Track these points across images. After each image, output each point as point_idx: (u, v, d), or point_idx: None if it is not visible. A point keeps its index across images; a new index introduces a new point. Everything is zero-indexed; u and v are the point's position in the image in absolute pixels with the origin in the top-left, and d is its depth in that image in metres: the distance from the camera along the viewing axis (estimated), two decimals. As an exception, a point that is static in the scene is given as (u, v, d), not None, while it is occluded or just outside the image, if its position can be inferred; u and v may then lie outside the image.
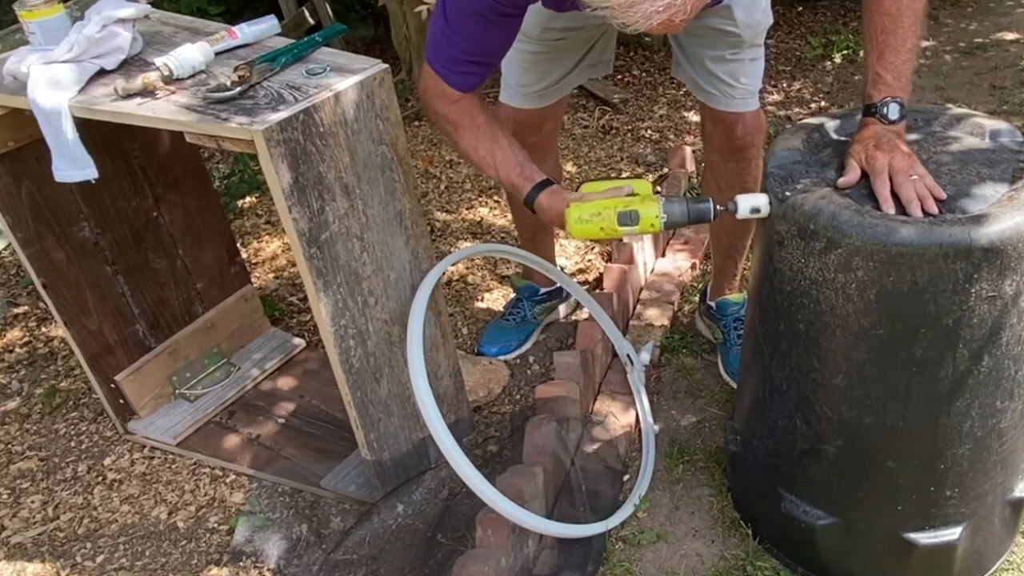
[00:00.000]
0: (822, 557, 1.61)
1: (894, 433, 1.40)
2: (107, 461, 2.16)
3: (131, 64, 1.64)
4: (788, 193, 1.36)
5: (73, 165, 1.60)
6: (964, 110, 1.57)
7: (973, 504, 1.48)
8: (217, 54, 1.61)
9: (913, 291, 1.26)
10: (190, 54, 1.55)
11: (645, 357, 2.15)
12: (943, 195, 1.30)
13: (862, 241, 1.26)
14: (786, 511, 1.59)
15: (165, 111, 1.46)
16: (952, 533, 1.49)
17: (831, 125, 1.54)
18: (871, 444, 1.44)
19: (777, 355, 1.50)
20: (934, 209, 1.27)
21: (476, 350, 2.34)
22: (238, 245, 2.44)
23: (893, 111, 1.39)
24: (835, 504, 1.54)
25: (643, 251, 2.47)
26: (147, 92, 1.50)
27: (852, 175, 1.37)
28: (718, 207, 1.45)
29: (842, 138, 1.50)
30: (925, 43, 3.98)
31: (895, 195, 1.31)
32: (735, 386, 2.09)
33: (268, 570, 1.82)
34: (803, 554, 1.65)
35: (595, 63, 1.97)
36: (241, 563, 1.84)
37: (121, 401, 2.15)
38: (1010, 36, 3.97)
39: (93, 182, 1.63)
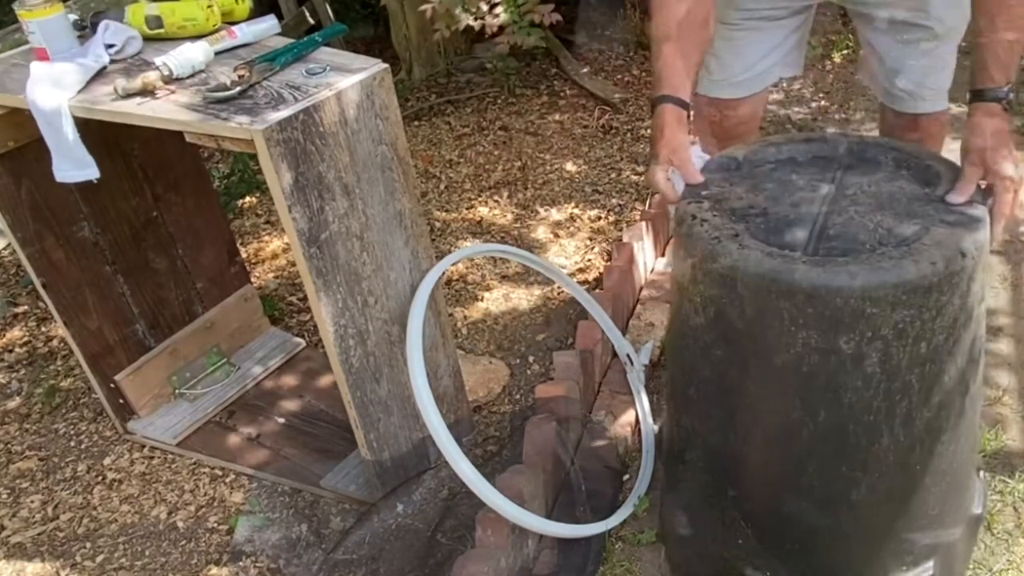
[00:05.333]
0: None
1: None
2: (107, 461, 2.16)
3: (131, 64, 1.64)
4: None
5: (74, 165, 1.60)
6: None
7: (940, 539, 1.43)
8: (217, 54, 1.61)
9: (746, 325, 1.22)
10: (190, 54, 1.55)
11: (645, 357, 2.15)
12: None
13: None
14: None
15: (165, 111, 1.46)
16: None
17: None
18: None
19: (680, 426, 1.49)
20: None
21: None
22: (238, 245, 2.45)
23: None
24: None
25: (643, 251, 2.47)
26: (147, 92, 1.50)
27: (969, 188, 1.26)
28: None
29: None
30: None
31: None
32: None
33: (268, 570, 1.82)
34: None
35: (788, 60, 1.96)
36: (241, 563, 1.84)
37: (121, 401, 2.15)
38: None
39: (94, 182, 1.64)
